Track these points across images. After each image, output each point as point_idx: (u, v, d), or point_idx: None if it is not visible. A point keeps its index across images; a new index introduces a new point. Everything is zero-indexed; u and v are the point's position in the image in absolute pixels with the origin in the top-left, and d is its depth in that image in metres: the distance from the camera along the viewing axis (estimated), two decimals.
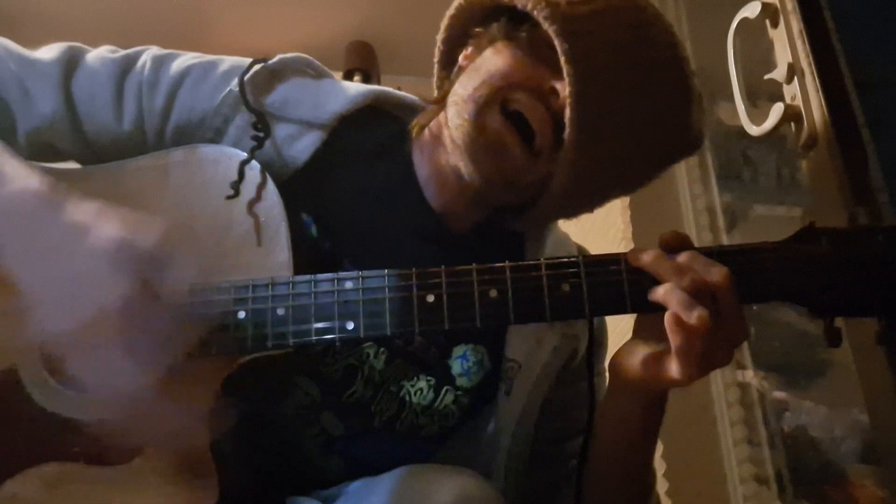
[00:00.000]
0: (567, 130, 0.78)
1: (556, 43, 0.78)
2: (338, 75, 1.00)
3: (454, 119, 0.84)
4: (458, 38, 0.92)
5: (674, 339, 0.67)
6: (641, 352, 0.73)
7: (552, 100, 0.80)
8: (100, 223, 0.64)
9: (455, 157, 0.84)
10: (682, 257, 0.70)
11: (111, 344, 0.61)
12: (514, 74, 0.82)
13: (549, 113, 0.80)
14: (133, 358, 0.62)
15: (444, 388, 0.87)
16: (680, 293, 0.67)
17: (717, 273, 0.68)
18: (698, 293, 0.67)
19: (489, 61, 0.85)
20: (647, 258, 0.70)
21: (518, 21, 0.83)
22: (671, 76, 0.83)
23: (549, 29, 0.78)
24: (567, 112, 0.78)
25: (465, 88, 0.84)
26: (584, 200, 0.89)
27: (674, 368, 0.68)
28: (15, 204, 0.66)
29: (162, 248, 0.64)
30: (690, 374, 0.68)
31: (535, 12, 0.80)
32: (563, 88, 0.78)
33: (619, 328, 0.80)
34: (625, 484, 0.86)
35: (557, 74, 0.79)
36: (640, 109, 0.81)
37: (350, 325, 0.71)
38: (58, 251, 0.64)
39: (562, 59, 0.78)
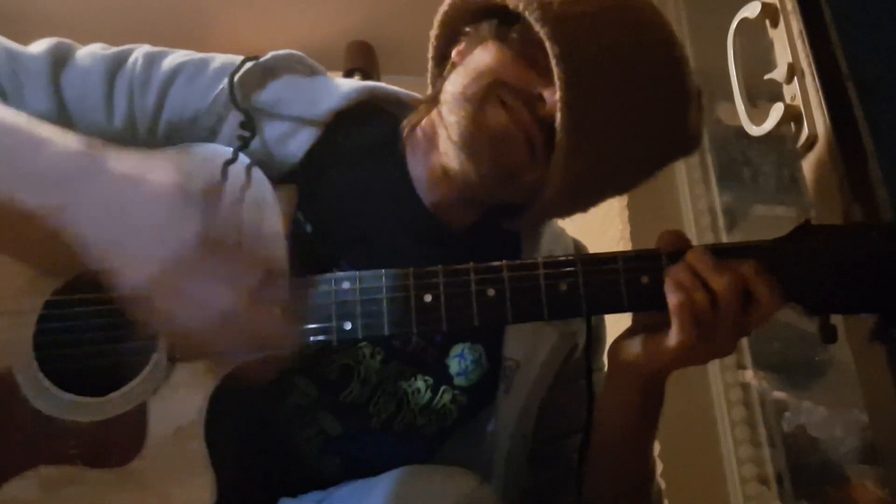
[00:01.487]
0: (558, 135, 0.78)
1: (548, 46, 0.77)
2: (338, 75, 0.99)
3: (448, 117, 0.83)
4: (452, 35, 0.91)
5: (672, 300, 0.68)
6: (640, 335, 0.73)
7: (538, 106, 0.79)
8: (149, 172, 0.67)
9: (448, 157, 0.84)
10: (690, 258, 0.71)
11: (201, 277, 0.65)
12: (502, 73, 0.81)
13: (537, 120, 0.79)
14: (224, 284, 0.65)
15: (442, 387, 0.87)
16: (690, 317, 0.69)
17: (725, 279, 0.69)
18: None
19: (478, 59, 0.84)
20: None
21: (510, 21, 0.82)
22: (667, 78, 0.82)
23: (540, 31, 0.77)
24: (558, 117, 0.77)
25: (454, 86, 0.84)
26: (578, 202, 0.88)
27: (672, 332, 0.69)
28: (61, 168, 0.66)
29: (211, 189, 0.69)
30: (686, 338, 0.69)
31: (527, 13, 0.79)
32: (552, 94, 0.77)
33: (617, 326, 0.80)
34: (626, 473, 0.86)
35: (546, 78, 0.78)
36: (634, 112, 0.80)
37: (348, 326, 0.71)
38: (119, 205, 0.65)
39: (553, 63, 0.77)
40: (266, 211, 0.78)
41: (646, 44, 0.81)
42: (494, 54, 0.83)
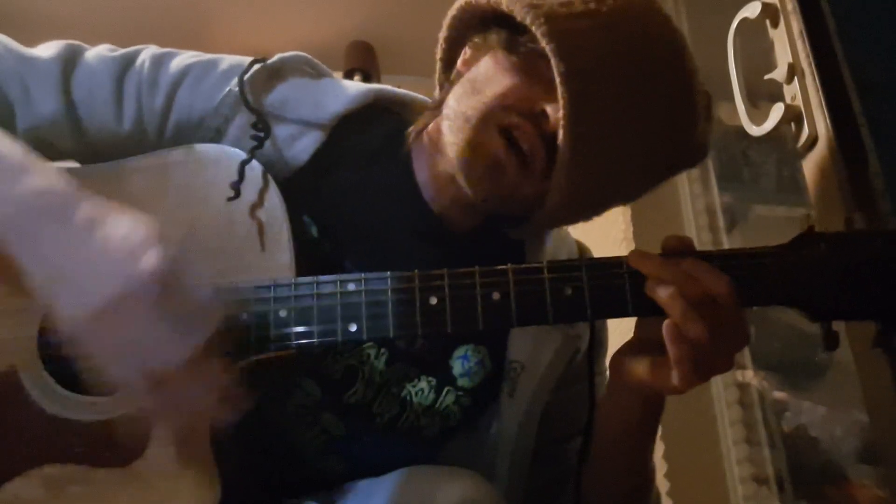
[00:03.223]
0: (560, 151, 0.77)
1: (553, 62, 0.75)
2: (338, 75, 1.00)
3: (448, 135, 0.83)
4: (460, 39, 0.90)
5: (672, 350, 0.68)
6: (644, 356, 0.73)
7: (543, 122, 0.78)
8: (110, 217, 0.64)
9: (452, 168, 0.84)
10: (686, 265, 0.70)
11: (139, 327, 0.61)
12: (506, 96, 0.80)
13: (540, 135, 0.78)
14: (163, 339, 0.61)
15: (446, 388, 0.87)
16: (682, 302, 0.67)
17: (719, 283, 0.68)
18: (700, 302, 0.68)
19: (484, 77, 0.83)
20: (651, 262, 0.70)
21: (519, 30, 0.81)
22: (675, 94, 0.81)
23: (545, 46, 0.76)
24: (560, 134, 0.76)
25: (458, 103, 0.83)
26: (580, 214, 0.88)
27: (674, 377, 0.69)
28: (29, 201, 0.64)
29: (172, 242, 0.64)
30: (690, 383, 0.69)
31: (534, 28, 0.77)
32: (556, 109, 0.76)
33: (620, 328, 0.80)
34: (626, 478, 0.86)
35: (552, 92, 0.77)
36: (639, 129, 0.79)
37: (353, 328, 0.71)
38: (72, 243, 0.63)
39: (557, 80, 0.75)
40: (275, 213, 0.79)
41: (654, 61, 0.80)
42: (500, 71, 0.81)
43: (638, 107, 0.79)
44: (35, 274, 0.62)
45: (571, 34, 0.76)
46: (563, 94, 0.75)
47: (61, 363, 0.73)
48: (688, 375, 0.68)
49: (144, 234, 0.63)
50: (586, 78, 0.76)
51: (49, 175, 0.66)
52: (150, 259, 0.61)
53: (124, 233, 0.63)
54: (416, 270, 0.72)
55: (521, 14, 0.79)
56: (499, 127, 0.79)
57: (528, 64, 0.80)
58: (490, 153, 0.79)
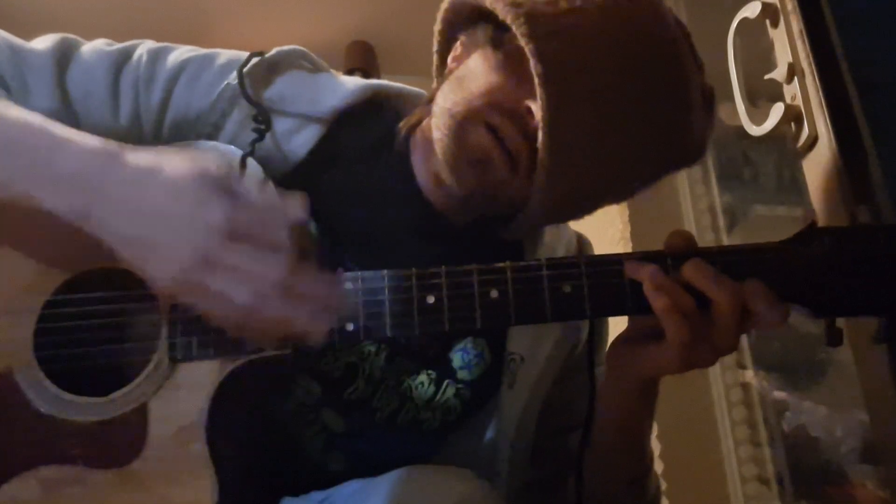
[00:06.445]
0: (539, 154, 0.76)
1: (532, 64, 0.74)
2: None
3: (435, 132, 0.82)
4: (452, 34, 0.90)
5: (656, 305, 0.68)
6: (641, 340, 0.73)
7: (528, 120, 0.77)
8: (165, 161, 0.66)
9: (438, 165, 0.83)
10: (687, 272, 0.69)
11: (231, 266, 0.63)
12: (491, 95, 0.79)
13: (524, 134, 0.77)
14: (254, 272, 0.63)
15: (445, 381, 0.87)
16: (678, 316, 0.68)
17: (721, 293, 0.68)
18: (695, 312, 0.68)
19: (471, 75, 0.82)
20: (644, 272, 0.69)
21: (504, 26, 0.79)
22: (666, 94, 0.79)
23: (525, 47, 0.75)
24: (539, 136, 0.75)
25: (445, 100, 0.82)
26: (565, 214, 0.87)
27: (668, 340, 0.69)
28: (83, 166, 0.66)
29: (229, 168, 0.67)
30: (688, 364, 0.70)
31: (514, 27, 0.76)
32: (539, 110, 0.75)
33: (619, 321, 0.80)
34: (624, 466, 0.86)
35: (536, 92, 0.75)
36: (625, 132, 0.78)
37: (350, 327, 0.71)
38: (141, 201, 0.64)
39: (536, 82, 0.74)
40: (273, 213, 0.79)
41: (643, 61, 0.77)
42: (486, 70, 0.81)
43: (623, 108, 0.77)
44: (114, 239, 0.65)
45: (552, 35, 0.75)
46: (541, 96, 0.74)
47: (58, 363, 0.73)
48: (679, 327, 0.68)
49: (204, 174, 0.65)
50: (566, 80, 0.74)
51: (86, 138, 0.68)
52: (221, 198, 0.64)
53: (185, 178, 0.64)
54: (413, 268, 0.71)
55: (502, 13, 0.78)
56: (484, 123, 0.78)
57: (514, 61, 0.79)
58: (476, 147, 0.79)
